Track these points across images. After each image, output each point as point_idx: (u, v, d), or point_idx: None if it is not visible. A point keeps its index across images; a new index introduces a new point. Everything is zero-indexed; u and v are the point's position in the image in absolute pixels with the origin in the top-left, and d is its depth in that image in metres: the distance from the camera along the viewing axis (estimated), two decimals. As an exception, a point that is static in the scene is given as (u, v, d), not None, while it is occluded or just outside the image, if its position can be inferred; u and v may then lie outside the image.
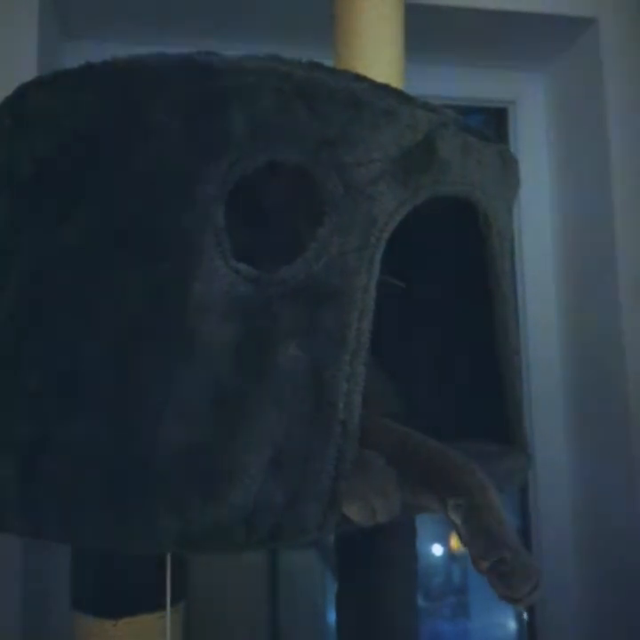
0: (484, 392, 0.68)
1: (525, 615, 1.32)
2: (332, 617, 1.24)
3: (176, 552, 0.49)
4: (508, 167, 0.62)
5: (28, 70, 0.91)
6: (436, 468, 0.48)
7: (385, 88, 0.50)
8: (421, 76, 1.14)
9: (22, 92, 0.49)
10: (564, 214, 1.21)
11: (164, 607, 0.54)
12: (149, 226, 0.45)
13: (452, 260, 0.70)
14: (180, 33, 1.06)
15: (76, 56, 0.99)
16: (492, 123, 1.32)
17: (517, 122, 1.24)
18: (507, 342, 0.65)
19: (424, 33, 1.07)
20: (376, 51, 0.78)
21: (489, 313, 0.65)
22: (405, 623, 0.72)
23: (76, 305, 0.45)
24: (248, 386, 0.44)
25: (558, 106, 1.22)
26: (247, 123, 0.44)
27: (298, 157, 0.46)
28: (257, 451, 0.43)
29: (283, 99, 0.45)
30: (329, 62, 0.66)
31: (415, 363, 0.74)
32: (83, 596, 0.54)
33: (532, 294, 1.22)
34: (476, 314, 0.67)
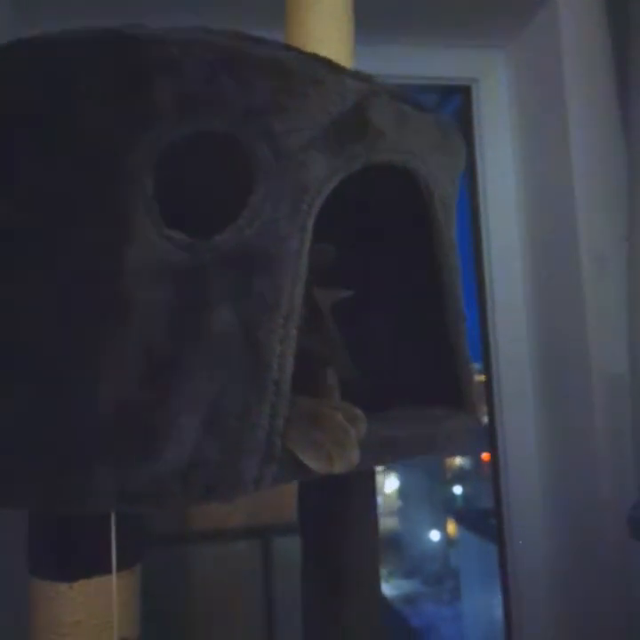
0: (435, 357, 0.70)
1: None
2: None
3: (119, 511, 0.51)
4: (448, 136, 0.63)
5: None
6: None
7: (313, 57, 0.51)
8: (384, 56, 1.16)
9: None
10: (527, 190, 1.22)
11: (120, 568, 0.56)
12: (81, 195, 0.46)
13: (402, 229, 0.71)
14: (140, 14, 1.06)
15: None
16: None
17: (480, 99, 1.25)
18: (454, 309, 0.67)
19: (385, 12, 1.08)
20: (326, 27, 0.79)
21: (437, 281, 0.67)
22: (368, 582, 0.75)
23: (13, 273, 0.46)
24: (182, 348, 0.46)
25: (520, 83, 1.23)
26: (173, 94, 0.45)
27: (226, 127, 0.47)
28: (191, 409, 0.45)
29: (208, 69, 0.46)
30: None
31: (370, 330, 0.76)
32: (39, 561, 0.56)
33: (498, 269, 1.24)
34: (426, 282, 0.68)
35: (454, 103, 1.45)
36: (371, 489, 0.76)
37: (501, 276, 1.24)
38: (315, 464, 0.47)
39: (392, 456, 0.57)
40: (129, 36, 0.45)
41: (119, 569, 0.55)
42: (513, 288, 1.24)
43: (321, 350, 0.62)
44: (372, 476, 0.76)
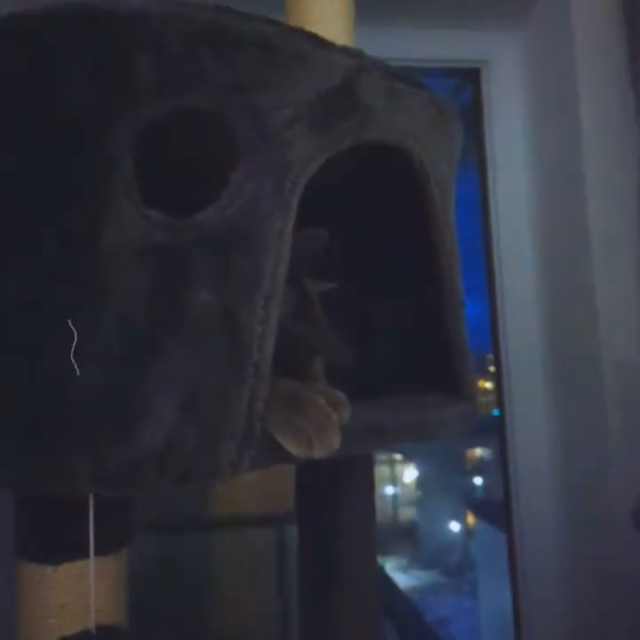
0: (434, 344, 0.68)
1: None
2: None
3: (95, 493, 0.51)
4: (443, 114, 0.61)
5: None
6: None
7: (298, 32, 0.50)
8: (390, 38, 1.14)
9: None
10: (538, 173, 1.20)
11: (105, 552, 0.56)
12: (60, 174, 0.45)
13: (399, 213, 0.70)
14: None
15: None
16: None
17: (490, 82, 1.23)
18: (452, 294, 0.65)
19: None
20: (325, 8, 0.77)
21: (434, 265, 0.65)
22: (364, 570, 0.74)
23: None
24: (160, 329, 0.45)
25: (530, 64, 1.20)
26: (152, 69, 0.44)
27: (207, 103, 0.46)
28: (168, 391, 0.44)
29: (188, 44, 0.45)
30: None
31: (367, 315, 0.75)
32: (24, 544, 0.56)
33: (508, 256, 1.22)
34: (423, 267, 0.67)
35: (468, 91, 1.43)
36: (368, 477, 0.75)
37: (511, 263, 1.22)
38: (294, 448, 0.46)
39: (379, 442, 0.55)
40: (107, 10, 0.44)
41: (103, 553, 0.55)
42: (523, 275, 1.22)
43: (308, 337, 0.61)
44: (369, 464, 0.75)
